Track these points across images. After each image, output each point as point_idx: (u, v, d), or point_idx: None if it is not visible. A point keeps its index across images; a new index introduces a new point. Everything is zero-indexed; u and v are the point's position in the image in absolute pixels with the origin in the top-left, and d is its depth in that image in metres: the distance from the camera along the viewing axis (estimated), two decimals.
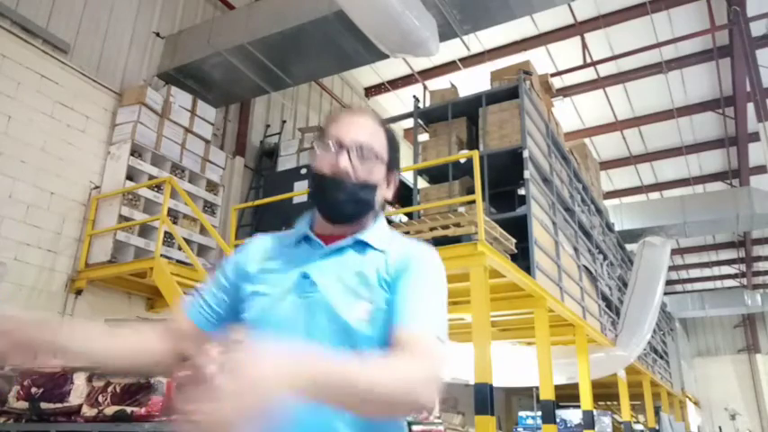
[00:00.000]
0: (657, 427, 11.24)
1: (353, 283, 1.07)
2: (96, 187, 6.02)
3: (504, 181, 6.31)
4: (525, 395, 13.30)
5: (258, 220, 7.56)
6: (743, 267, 17.31)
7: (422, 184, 6.83)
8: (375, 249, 1.11)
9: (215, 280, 1.19)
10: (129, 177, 5.98)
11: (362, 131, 1.12)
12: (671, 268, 15.66)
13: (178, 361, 1.16)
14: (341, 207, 1.10)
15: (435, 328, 0.99)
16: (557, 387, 5.75)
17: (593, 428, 7.41)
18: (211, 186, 6.89)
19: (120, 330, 1.14)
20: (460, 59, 9.59)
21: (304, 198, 6.69)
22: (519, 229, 5.47)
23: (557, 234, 6.46)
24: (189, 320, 1.17)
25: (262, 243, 1.20)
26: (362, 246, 1.12)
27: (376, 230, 1.16)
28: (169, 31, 7.28)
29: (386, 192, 1.18)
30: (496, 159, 6.07)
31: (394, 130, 1.20)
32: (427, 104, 7.35)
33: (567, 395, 8.93)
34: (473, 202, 4.97)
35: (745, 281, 18.00)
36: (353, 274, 1.08)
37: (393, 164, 1.17)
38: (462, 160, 6.22)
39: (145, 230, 5.96)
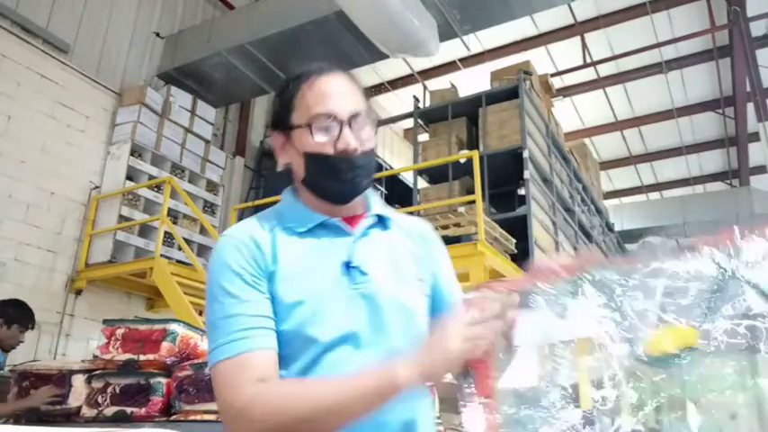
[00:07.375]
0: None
1: (398, 265, 1.02)
2: (96, 187, 6.02)
3: (504, 181, 6.30)
4: None
5: None
6: None
7: (422, 184, 6.83)
8: (391, 223, 1.09)
9: (259, 296, 0.97)
10: (129, 177, 5.98)
11: (349, 97, 1.03)
12: None
13: None
14: (355, 186, 1.02)
15: None
16: None
17: None
18: (211, 186, 6.89)
19: None
20: (460, 59, 9.58)
21: None
22: (519, 229, 5.47)
23: (557, 234, 6.46)
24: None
25: (254, 236, 1.07)
26: (383, 221, 1.08)
27: (377, 200, 1.11)
28: (169, 31, 7.28)
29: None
30: (496, 159, 6.06)
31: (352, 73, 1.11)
32: (427, 104, 7.35)
33: None
34: (473, 202, 4.97)
35: None
36: (393, 254, 1.04)
37: (372, 114, 1.07)
38: (462, 160, 6.21)
39: (145, 230, 5.96)
